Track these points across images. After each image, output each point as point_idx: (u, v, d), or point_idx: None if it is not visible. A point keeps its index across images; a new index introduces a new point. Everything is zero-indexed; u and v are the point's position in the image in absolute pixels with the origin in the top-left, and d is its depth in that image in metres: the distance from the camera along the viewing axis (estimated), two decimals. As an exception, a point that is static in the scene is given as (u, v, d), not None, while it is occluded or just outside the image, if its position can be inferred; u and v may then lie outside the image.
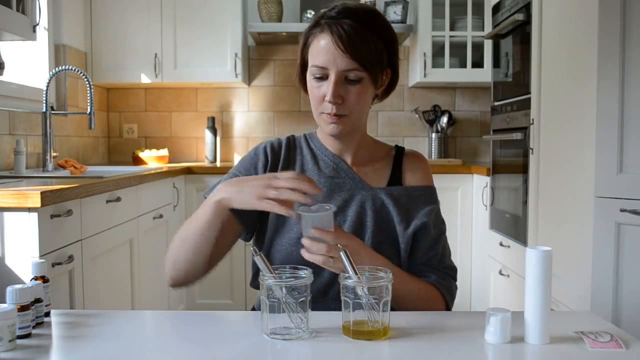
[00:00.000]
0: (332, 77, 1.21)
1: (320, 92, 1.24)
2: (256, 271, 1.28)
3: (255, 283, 1.25)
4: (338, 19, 1.21)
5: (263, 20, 3.78)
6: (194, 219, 1.22)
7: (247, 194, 1.11)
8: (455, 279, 1.37)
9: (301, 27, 3.63)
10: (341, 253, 1.03)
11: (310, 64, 1.25)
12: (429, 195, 1.37)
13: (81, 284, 2.05)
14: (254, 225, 1.34)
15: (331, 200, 1.29)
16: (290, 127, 4.06)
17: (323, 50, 1.21)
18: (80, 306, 2.04)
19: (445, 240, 1.38)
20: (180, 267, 1.25)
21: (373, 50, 1.22)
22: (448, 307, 1.33)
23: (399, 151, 1.42)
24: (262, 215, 1.31)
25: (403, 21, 3.76)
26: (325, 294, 1.26)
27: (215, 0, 3.67)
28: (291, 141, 1.39)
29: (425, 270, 1.31)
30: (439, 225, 1.36)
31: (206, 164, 3.79)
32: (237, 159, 3.99)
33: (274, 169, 1.34)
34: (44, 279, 1.10)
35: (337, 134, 1.28)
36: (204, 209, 1.19)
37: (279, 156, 1.35)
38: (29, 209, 1.72)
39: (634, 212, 1.88)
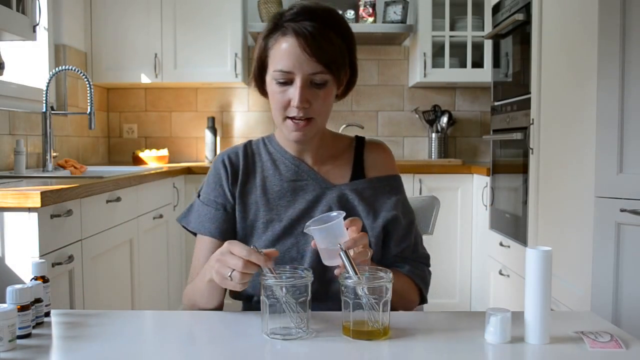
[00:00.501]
0: (298, 81, 1.18)
1: (284, 97, 1.21)
2: None
3: (233, 293, 1.27)
4: (299, 21, 1.18)
5: (263, 20, 3.78)
6: (198, 285, 1.20)
7: (215, 278, 1.07)
8: (428, 266, 1.37)
9: (301, 27, 3.63)
10: (341, 253, 1.03)
11: (272, 68, 1.21)
12: (394, 185, 1.36)
13: (81, 284, 2.05)
14: None
15: (295, 203, 1.28)
16: (290, 127, 4.05)
17: (287, 54, 1.18)
18: (80, 306, 2.04)
19: (416, 228, 1.37)
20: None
21: (337, 52, 1.20)
22: (422, 296, 1.33)
23: (360, 142, 1.39)
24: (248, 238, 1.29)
25: (403, 21, 3.76)
26: (324, 295, 1.25)
27: (215, 0, 3.67)
28: (248, 148, 1.36)
29: (398, 262, 1.31)
30: (408, 215, 1.34)
31: (206, 164, 3.79)
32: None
33: (235, 180, 1.31)
34: (44, 279, 1.10)
35: (302, 140, 1.26)
36: (202, 279, 1.17)
37: (237, 167, 1.32)
38: (29, 209, 1.72)
39: (634, 212, 1.88)
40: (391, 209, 1.29)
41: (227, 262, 1.03)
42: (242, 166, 1.32)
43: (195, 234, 1.33)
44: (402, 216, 1.31)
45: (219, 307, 1.24)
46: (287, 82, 1.20)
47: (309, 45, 1.16)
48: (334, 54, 1.19)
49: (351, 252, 1.04)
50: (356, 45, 1.28)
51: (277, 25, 1.21)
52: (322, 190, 1.30)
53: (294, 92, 1.19)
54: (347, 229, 1.09)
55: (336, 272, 1.07)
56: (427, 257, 1.38)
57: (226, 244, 1.06)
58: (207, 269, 1.13)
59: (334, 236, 1.06)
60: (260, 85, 1.29)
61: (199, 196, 1.34)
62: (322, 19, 1.19)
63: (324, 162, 1.34)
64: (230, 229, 1.29)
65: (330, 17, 1.21)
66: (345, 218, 1.13)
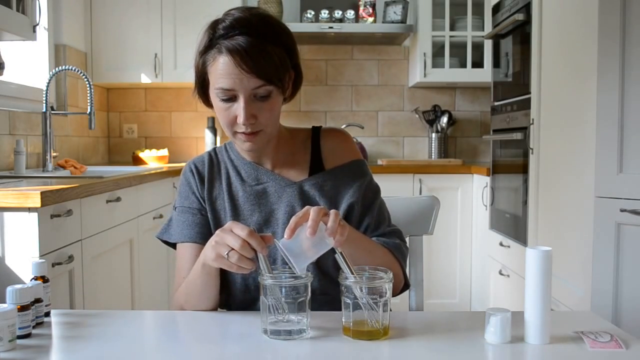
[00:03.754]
0: (241, 98, 1.16)
1: (230, 113, 1.19)
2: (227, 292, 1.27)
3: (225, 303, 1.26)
4: (232, 36, 1.15)
5: (263, 20, 3.77)
6: (191, 279, 1.20)
7: (210, 256, 1.08)
8: (401, 239, 1.32)
9: (301, 27, 3.63)
10: (337, 255, 1.03)
11: (214, 85, 1.19)
12: (356, 170, 1.33)
13: (81, 284, 2.05)
14: None
15: (260, 207, 1.28)
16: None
17: (225, 72, 1.15)
18: (80, 306, 2.04)
19: (380, 209, 1.33)
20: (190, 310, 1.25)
21: (277, 62, 1.16)
22: (402, 266, 1.28)
23: (316, 133, 1.37)
24: None
25: (403, 21, 3.76)
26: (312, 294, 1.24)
27: (215, 0, 3.67)
28: (212, 156, 1.36)
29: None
30: (368, 198, 1.31)
31: (206, 164, 3.79)
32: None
33: (202, 186, 1.32)
34: (44, 279, 1.10)
35: (255, 149, 1.26)
36: (196, 271, 1.18)
37: (203, 175, 1.33)
38: (29, 209, 1.72)
39: (634, 212, 1.88)
40: (350, 197, 1.28)
41: (225, 239, 1.04)
42: (207, 173, 1.33)
43: (174, 247, 1.33)
44: (360, 200, 1.29)
45: (213, 307, 1.23)
46: (231, 98, 1.18)
47: (246, 62, 1.13)
48: (272, 66, 1.16)
49: (338, 237, 1.02)
50: (296, 45, 1.25)
51: (212, 42, 1.18)
52: (282, 189, 1.29)
53: (238, 109, 1.17)
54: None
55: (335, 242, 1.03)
56: (398, 231, 1.33)
57: (228, 223, 1.06)
58: (204, 251, 1.13)
59: (295, 243, 1.02)
60: (205, 99, 1.27)
61: (175, 209, 1.35)
62: (256, 30, 1.16)
63: (283, 162, 1.33)
64: (210, 233, 1.28)
65: (265, 26, 1.18)
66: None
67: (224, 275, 1.23)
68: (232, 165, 1.34)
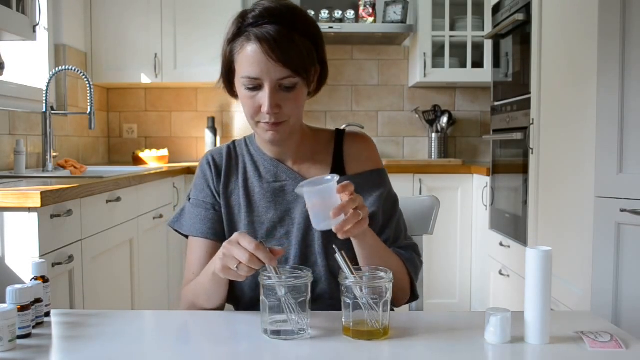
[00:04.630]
0: (266, 87, 1.17)
1: (255, 102, 1.19)
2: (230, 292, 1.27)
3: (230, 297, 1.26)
4: (261, 25, 1.16)
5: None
6: (200, 281, 1.21)
7: (218, 268, 1.08)
8: (417, 253, 1.32)
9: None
10: (337, 255, 1.03)
11: (240, 74, 1.19)
12: (376, 180, 1.32)
13: (81, 284, 2.05)
14: None
15: (276, 205, 1.27)
16: (290, 127, 4.05)
17: (253, 60, 1.16)
18: (80, 306, 2.04)
19: (399, 221, 1.33)
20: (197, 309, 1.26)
21: (303, 53, 1.17)
22: (412, 280, 1.27)
23: (340, 135, 1.36)
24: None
25: (403, 21, 3.76)
26: (320, 298, 1.24)
27: (215, 0, 3.68)
28: (232, 149, 1.36)
29: None
30: (388, 210, 1.31)
31: (206, 164, 3.78)
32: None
33: (219, 180, 1.31)
34: (44, 279, 1.10)
35: (277, 141, 1.24)
36: (206, 275, 1.18)
37: (220, 168, 1.33)
38: (29, 209, 1.72)
39: (634, 212, 1.88)
40: (370, 207, 1.26)
41: (233, 252, 1.04)
42: (224, 167, 1.32)
43: (187, 237, 1.33)
44: (380, 211, 1.28)
45: (221, 307, 1.23)
46: (256, 87, 1.18)
47: (274, 51, 1.14)
48: (300, 57, 1.16)
49: (341, 221, 1.04)
50: (323, 39, 1.25)
51: (240, 30, 1.18)
52: None
53: (263, 98, 1.18)
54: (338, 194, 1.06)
55: (334, 228, 1.05)
56: (414, 245, 1.34)
57: (235, 234, 1.06)
58: (213, 261, 1.14)
59: (325, 199, 1.05)
60: (230, 88, 1.28)
61: (189, 199, 1.35)
62: (285, 20, 1.16)
63: (304, 161, 1.32)
64: (222, 228, 1.29)
65: (294, 16, 1.18)
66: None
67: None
68: (252, 160, 1.33)
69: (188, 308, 1.26)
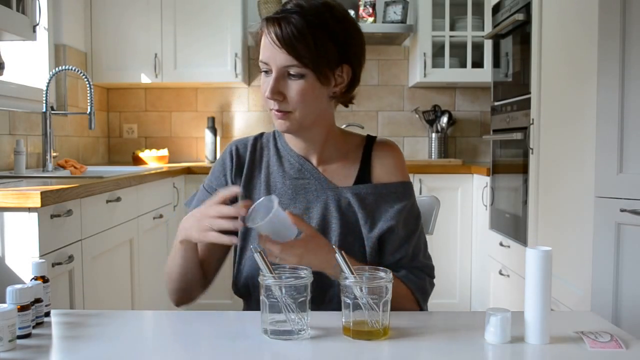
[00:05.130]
0: (273, 72, 1.19)
1: (265, 87, 1.21)
2: (236, 275, 1.31)
3: (236, 289, 1.30)
4: (282, 15, 1.18)
5: (263, 20, 3.77)
6: (172, 255, 1.27)
7: (194, 231, 1.13)
8: (431, 276, 1.31)
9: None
10: (337, 255, 1.03)
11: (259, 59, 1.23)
12: (401, 192, 1.30)
13: (81, 284, 2.05)
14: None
15: (296, 202, 1.28)
16: (290, 127, 4.05)
17: (265, 46, 1.19)
18: (80, 306, 2.04)
19: (419, 238, 1.31)
20: (178, 293, 1.31)
21: (311, 46, 1.16)
22: (420, 306, 1.26)
23: (370, 142, 1.35)
24: None
25: (403, 21, 3.76)
26: (323, 299, 1.24)
27: (215, 0, 3.68)
28: (258, 141, 1.36)
29: (395, 270, 1.24)
30: (410, 225, 1.29)
31: (206, 164, 3.79)
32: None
33: (239, 172, 1.32)
34: (44, 279, 1.10)
35: (284, 130, 1.25)
36: (175, 248, 1.24)
37: (243, 159, 1.33)
38: (29, 209, 1.72)
39: (634, 212, 1.88)
40: (390, 219, 1.25)
41: (205, 212, 1.11)
42: (248, 159, 1.33)
43: None
44: (401, 226, 1.27)
45: (195, 279, 1.28)
46: (269, 72, 1.20)
47: (279, 38, 1.16)
48: (305, 46, 1.16)
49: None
50: (359, 46, 1.26)
51: (267, 19, 1.21)
52: (324, 190, 1.28)
53: (268, 82, 1.19)
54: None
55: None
56: (430, 267, 1.32)
57: (205, 203, 1.14)
58: (181, 231, 1.20)
59: (275, 225, 1.09)
60: None
61: (204, 183, 1.38)
62: (304, 11, 1.17)
63: (329, 162, 1.31)
64: None
65: (317, 11, 1.18)
66: (341, 223, 1.19)
67: (244, 268, 1.28)
68: (277, 153, 1.33)
69: (168, 280, 1.30)
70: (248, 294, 1.30)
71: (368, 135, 1.38)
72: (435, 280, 1.34)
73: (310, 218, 1.27)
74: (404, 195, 1.30)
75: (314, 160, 1.31)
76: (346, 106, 1.35)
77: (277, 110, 1.21)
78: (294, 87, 1.19)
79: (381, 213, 1.26)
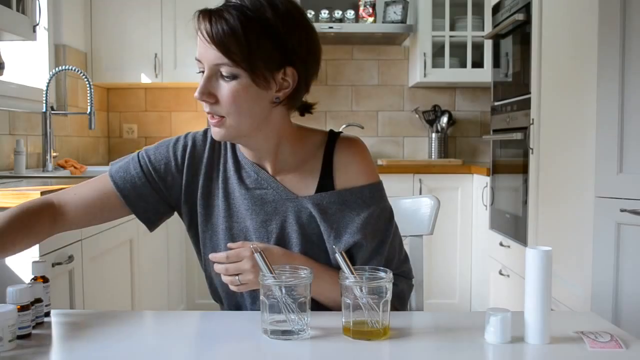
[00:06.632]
0: (205, 71, 1.09)
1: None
2: (210, 283, 1.28)
3: (215, 296, 1.28)
4: (216, 9, 1.07)
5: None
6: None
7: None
8: (408, 278, 1.24)
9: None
10: (337, 255, 1.02)
11: None
12: (368, 197, 1.17)
13: (81, 284, 2.05)
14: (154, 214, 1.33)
15: (253, 214, 1.18)
16: (290, 127, 4.06)
17: (198, 43, 1.09)
18: (80, 306, 2.03)
19: (392, 243, 1.20)
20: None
21: (244, 43, 1.04)
22: (396, 309, 1.18)
23: (331, 142, 1.21)
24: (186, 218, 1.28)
25: (403, 21, 3.76)
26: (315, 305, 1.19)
27: (215, 0, 3.67)
28: (216, 143, 1.24)
29: None
30: (379, 234, 1.18)
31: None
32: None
33: (195, 171, 1.23)
34: (44, 279, 1.10)
35: (218, 138, 1.13)
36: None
37: (201, 157, 1.23)
38: (29, 209, 1.71)
39: (634, 212, 1.88)
40: (356, 232, 1.15)
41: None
42: (206, 158, 1.23)
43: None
44: (369, 238, 1.16)
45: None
46: (203, 71, 1.10)
47: (208, 33, 1.05)
48: (237, 42, 1.04)
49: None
50: (307, 47, 1.11)
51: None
52: (282, 201, 1.18)
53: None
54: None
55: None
56: (407, 270, 1.24)
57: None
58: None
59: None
60: None
61: (139, 154, 1.28)
62: (245, 7, 1.06)
63: (287, 170, 1.19)
64: (141, 203, 1.28)
65: (257, 5, 1.06)
66: (301, 236, 1.17)
67: (213, 279, 1.26)
68: (234, 159, 1.22)
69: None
70: (222, 302, 1.29)
71: (330, 132, 1.23)
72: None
73: (269, 232, 1.18)
74: (371, 200, 1.18)
75: (269, 169, 1.19)
76: (302, 115, 1.22)
77: (211, 116, 1.10)
78: (226, 89, 1.07)
79: (346, 224, 1.16)
